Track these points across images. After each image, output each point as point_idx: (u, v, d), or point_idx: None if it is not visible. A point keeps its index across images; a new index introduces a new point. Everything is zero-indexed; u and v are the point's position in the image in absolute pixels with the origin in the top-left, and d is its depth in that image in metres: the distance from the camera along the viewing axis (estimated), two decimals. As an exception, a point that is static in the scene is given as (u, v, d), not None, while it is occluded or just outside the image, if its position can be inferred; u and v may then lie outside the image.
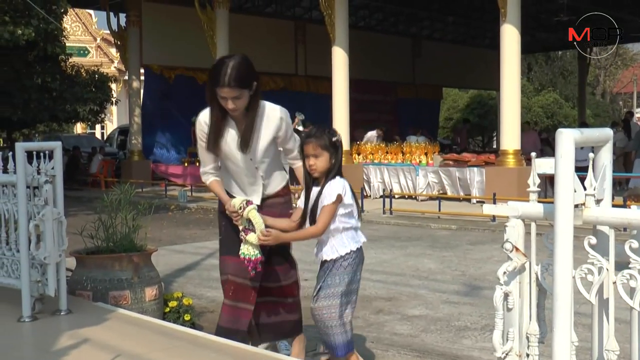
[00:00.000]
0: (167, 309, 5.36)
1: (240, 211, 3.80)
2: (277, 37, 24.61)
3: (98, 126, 39.17)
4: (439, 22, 30.07)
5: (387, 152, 17.26)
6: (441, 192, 15.08)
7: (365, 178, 16.44)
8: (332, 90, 16.79)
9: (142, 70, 22.47)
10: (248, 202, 3.83)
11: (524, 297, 2.55)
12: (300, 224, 3.89)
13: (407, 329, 5.51)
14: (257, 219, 3.77)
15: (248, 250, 3.78)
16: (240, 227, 3.84)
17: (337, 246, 3.82)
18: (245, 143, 3.88)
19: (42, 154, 4.76)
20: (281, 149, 4.22)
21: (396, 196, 14.58)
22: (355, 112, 17.42)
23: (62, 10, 16.93)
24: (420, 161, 16.12)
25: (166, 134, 22.93)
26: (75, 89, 19.06)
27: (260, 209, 3.95)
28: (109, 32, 24.40)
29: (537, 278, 2.49)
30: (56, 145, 4.82)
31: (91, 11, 38.03)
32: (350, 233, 3.87)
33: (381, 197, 14.23)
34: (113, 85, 19.64)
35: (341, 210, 3.78)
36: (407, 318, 5.87)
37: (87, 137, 33.14)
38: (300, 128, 16.61)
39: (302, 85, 25.72)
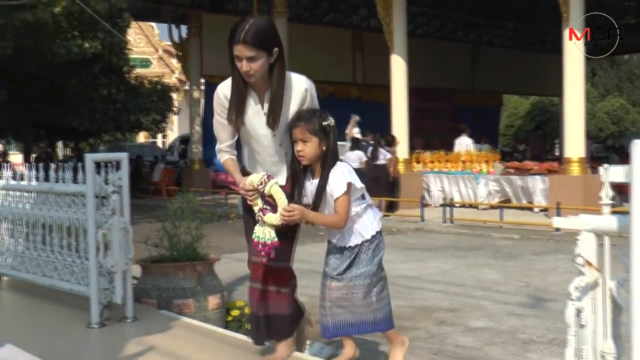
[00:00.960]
0: (230, 318, 5.40)
1: (261, 187, 3.43)
2: (335, 46, 24.67)
3: (160, 135, 39.91)
4: (499, 28, 29.71)
5: (447, 161, 17.10)
6: (503, 200, 14.86)
7: (425, 186, 16.32)
8: (391, 98, 16.74)
9: (202, 80, 22.83)
10: (269, 177, 3.45)
11: (598, 314, 2.47)
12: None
13: (470, 341, 5.43)
14: (280, 194, 3.42)
15: (264, 234, 3.45)
16: (256, 208, 3.50)
17: (362, 230, 3.65)
18: (274, 119, 3.55)
19: (109, 165, 4.87)
20: None
21: (457, 205, 14.42)
22: (414, 120, 17.30)
23: (126, 24, 17.36)
24: (481, 169, 15.93)
25: (226, 144, 23.13)
26: (139, 99, 19.49)
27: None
28: (170, 43, 24.88)
29: (611, 294, 2.41)
30: (123, 157, 4.91)
31: (153, 24, 38.76)
32: (370, 213, 3.70)
33: (441, 205, 14.10)
34: (174, 95, 19.98)
35: (353, 196, 3.60)
36: (470, 330, 5.79)
37: (149, 146, 33.80)
38: (356, 129, 16.59)
39: (360, 93, 25.66)
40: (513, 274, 8.33)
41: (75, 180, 5.04)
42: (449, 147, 18.53)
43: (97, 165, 4.85)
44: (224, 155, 3.80)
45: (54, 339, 4.55)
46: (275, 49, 3.46)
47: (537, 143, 26.72)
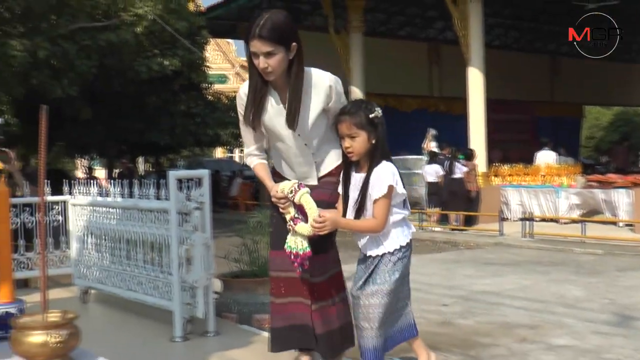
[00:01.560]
0: (309, 333, 5.43)
1: (291, 196, 3.29)
2: (411, 59, 24.66)
3: (237, 150, 40.55)
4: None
5: (525, 174, 16.80)
6: (585, 214, 14.48)
7: (504, 200, 16.05)
8: (468, 110, 16.57)
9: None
10: (300, 185, 3.30)
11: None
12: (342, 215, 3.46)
13: (553, 360, 5.31)
14: (311, 204, 3.25)
15: (296, 244, 3.28)
16: (288, 217, 3.35)
17: (387, 241, 3.39)
18: (292, 117, 3.36)
19: (191, 181, 5.00)
20: None
21: (536, 219, 14.12)
22: (492, 132, 17.08)
23: (204, 41, 17.79)
24: (561, 183, 15.57)
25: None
26: (217, 114, 19.91)
27: (310, 189, 3.44)
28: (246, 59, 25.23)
29: None
30: (204, 174, 5.03)
31: (230, 40, 39.49)
32: (400, 225, 3.44)
33: (520, 219, 13.83)
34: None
35: (393, 201, 3.35)
36: (553, 348, 5.65)
37: (226, 161, 34.38)
38: (434, 143, 16.48)
39: (437, 105, 25.49)
40: (597, 291, 8.09)
41: (158, 197, 5.19)
42: (527, 160, 18.20)
43: (179, 181, 4.99)
44: (254, 159, 3.68)
45: (139, 351, 4.69)
46: (294, 44, 3.30)
47: (622, 155, 25.87)
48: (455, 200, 14.72)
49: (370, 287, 3.39)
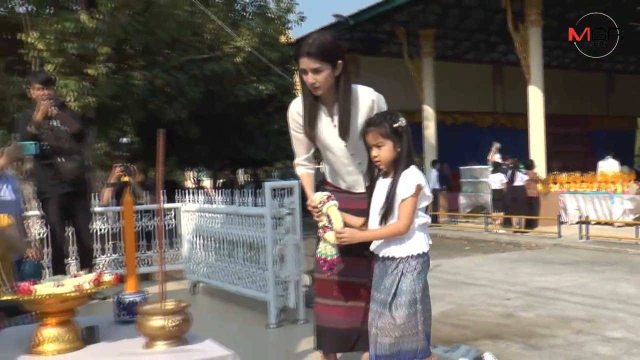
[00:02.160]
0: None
1: (320, 206, 3.11)
2: (477, 80, 24.31)
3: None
4: (633, 56, 27.92)
5: (582, 181, 16.32)
6: (638, 218, 13.90)
7: (562, 205, 15.59)
8: (529, 125, 16.23)
9: (358, 114, 23.14)
10: (329, 198, 3.12)
11: None
12: (365, 222, 3.13)
13: (608, 350, 5.13)
14: (336, 216, 3.05)
15: (325, 250, 3.08)
16: (320, 224, 3.17)
17: (410, 243, 2.99)
18: (345, 130, 3.21)
19: (283, 191, 5.11)
20: None
21: (592, 222, 13.66)
22: (550, 144, 16.65)
23: (294, 68, 17.96)
24: (615, 189, 15.01)
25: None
26: (305, 132, 20.08)
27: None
28: (331, 83, 25.34)
29: None
30: (295, 184, 5.12)
31: (317, 66, 39.72)
32: (425, 230, 3.06)
33: (577, 223, 13.41)
34: (336, 127, 20.48)
35: (420, 203, 3.00)
36: (607, 340, 5.47)
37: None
38: (497, 155, 16.19)
39: (501, 121, 25.06)
40: (649, 288, 7.79)
41: (255, 204, 5.32)
42: (583, 169, 17.67)
43: (274, 191, 5.10)
44: (301, 169, 3.55)
45: (240, 335, 4.80)
46: (340, 61, 3.16)
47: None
48: (517, 205, 14.51)
49: (399, 299, 2.97)
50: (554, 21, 18.41)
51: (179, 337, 2.20)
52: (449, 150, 20.52)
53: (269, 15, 16.14)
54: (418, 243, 3.00)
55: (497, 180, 15.19)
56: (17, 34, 10.94)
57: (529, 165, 14.97)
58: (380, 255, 3.04)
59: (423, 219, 3.02)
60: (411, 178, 2.95)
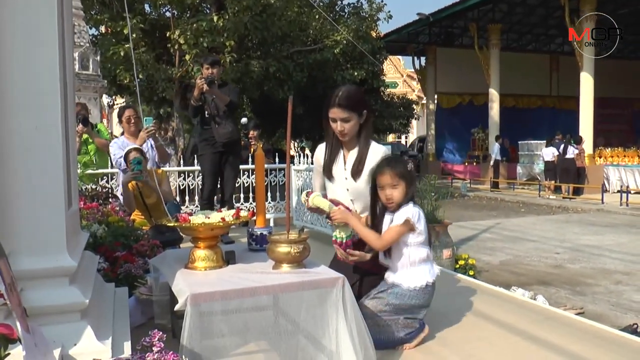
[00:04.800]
0: (457, 266, 5.44)
1: (309, 204, 2.69)
2: (536, 67, 23.29)
3: (404, 136, 40.28)
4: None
5: (624, 156, 15.43)
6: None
7: (605, 176, 14.80)
8: (579, 106, 15.41)
9: (435, 96, 22.72)
10: (308, 193, 2.70)
11: None
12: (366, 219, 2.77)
13: (642, 298, 4.95)
14: (321, 203, 2.64)
15: (340, 234, 2.69)
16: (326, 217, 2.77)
17: (411, 277, 2.61)
18: (359, 171, 2.85)
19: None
20: None
21: (632, 191, 12.90)
22: (597, 123, 15.79)
23: (383, 57, 17.79)
24: (655, 163, 14.08)
25: (452, 142, 22.92)
26: (390, 109, 19.82)
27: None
28: (412, 70, 24.92)
29: None
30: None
31: (400, 57, 39.03)
32: (427, 266, 2.65)
33: (619, 192, 12.72)
34: (415, 107, 20.08)
35: (415, 238, 2.59)
36: (643, 289, 5.26)
37: (396, 144, 34.13)
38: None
39: (555, 103, 23.97)
40: (683, 249, 7.34)
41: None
42: (625, 145, 16.74)
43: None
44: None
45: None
46: (365, 111, 2.88)
47: None
48: (567, 175, 13.95)
49: (380, 300, 2.63)
50: (606, 16, 17.30)
51: (299, 261, 2.31)
52: (509, 126, 19.88)
53: (363, 14, 16.01)
54: (418, 278, 2.61)
55: (549, 153, 14.68)
56: (165, 32, 11.40)
57: (578, 141, 14.32)
58: (389, 281, 2.68)
59: (422, 253, 2.62)
60: (405, 211, 2.57)
